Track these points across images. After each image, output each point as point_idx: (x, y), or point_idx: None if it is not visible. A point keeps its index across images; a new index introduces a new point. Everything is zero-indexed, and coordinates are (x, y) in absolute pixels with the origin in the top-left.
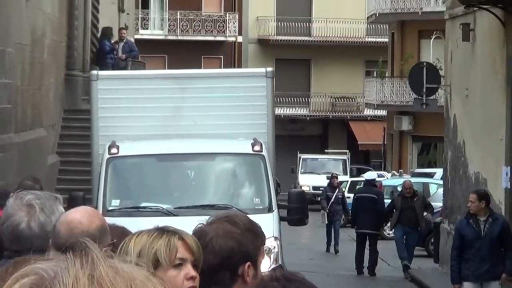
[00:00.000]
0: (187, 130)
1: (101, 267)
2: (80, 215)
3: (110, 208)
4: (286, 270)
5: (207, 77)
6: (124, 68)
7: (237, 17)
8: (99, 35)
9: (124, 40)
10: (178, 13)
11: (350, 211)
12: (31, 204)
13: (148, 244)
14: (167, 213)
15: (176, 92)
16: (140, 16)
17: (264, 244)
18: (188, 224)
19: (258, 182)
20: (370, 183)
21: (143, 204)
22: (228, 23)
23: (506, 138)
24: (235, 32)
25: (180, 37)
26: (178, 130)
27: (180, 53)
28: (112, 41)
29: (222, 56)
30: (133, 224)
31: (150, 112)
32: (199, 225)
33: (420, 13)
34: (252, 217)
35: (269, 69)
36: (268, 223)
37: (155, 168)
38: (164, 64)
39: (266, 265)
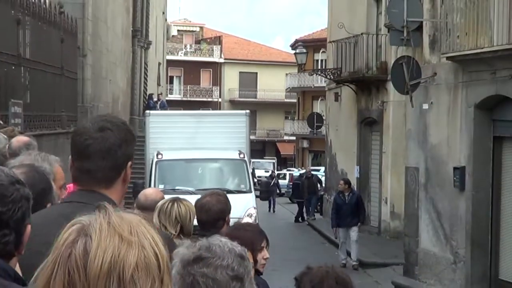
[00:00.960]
0: (200, 145)
1: (113, 217)
2: (151, 191)
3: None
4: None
5: (211, 115)
6: None
7: (218, 88)
8: (147, 97)
9: (160, 100)
10: (188, 86)
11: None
12: None
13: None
14: (191, 193)
15: (194, 123)
16: (168, 87)
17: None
18: None
19: (243, 175)
20: (301, 175)
21: (177, 187)
22: (214, 91)
23: (357, 152)
24: (218, 96)
25: (189, 99)
26: (194, 145)
27: (189, 107)
28: (154, 100)
29: (210, 109)
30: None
31: (178, 134)
32: (202, 198)
33: (313, 87)
34: (240, 195)
35: (247, 111)
36: (250, 199)
37: (183, 166)
38: None
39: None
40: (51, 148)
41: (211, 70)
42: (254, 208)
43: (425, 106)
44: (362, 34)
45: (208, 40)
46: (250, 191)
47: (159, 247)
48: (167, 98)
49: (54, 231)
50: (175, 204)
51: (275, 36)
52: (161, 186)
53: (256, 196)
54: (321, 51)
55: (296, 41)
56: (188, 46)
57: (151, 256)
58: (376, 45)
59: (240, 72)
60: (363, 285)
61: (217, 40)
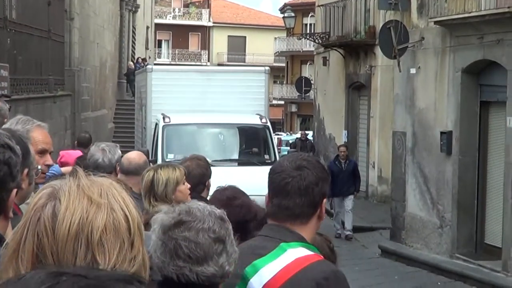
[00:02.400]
0: (210, 107)
1: (83, 180)
2: (134, 154)
3: (167, 160)
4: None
5: (224, 72)
6: None
7: (207, 52)
8: (135, 61)
9: (145, 63)
10: (177, 50)
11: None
12: (104, 149)
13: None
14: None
15: (203, 81)
16: (156, 51)
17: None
18: (223, 172)
19: (266, 144)
20: (300, 138)
21: None
22: (202, 55)
23: (345, 116)
24: (206, 60)
25: (177, 63)
26: (204, 107)
27: None
28: (141, 64)
29: None
30: None
31: (185, 94)
32: (182, 163)
33: (301, 51)
34: (265, 168)
35: (267, 67)
36: None
37: (196, 132)
38: None
39: None
40: (39, 112)
41: (200, 34)
42: None
43: (413, 71)
44: None
45: (197, 3)
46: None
47: (130, 210)
48: (155, 62)
49: (240, 262)
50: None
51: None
52: (171, 156)
53: None
54: (309, 15)
55: (285, 5)
56: (176, 10)
57: (120, 218)
58: (365, 9)
59: (228, 36)
60: (350, 249)
61: (206, 3)
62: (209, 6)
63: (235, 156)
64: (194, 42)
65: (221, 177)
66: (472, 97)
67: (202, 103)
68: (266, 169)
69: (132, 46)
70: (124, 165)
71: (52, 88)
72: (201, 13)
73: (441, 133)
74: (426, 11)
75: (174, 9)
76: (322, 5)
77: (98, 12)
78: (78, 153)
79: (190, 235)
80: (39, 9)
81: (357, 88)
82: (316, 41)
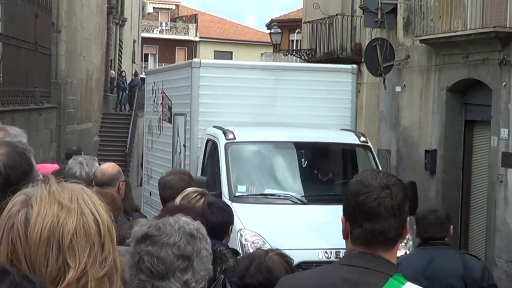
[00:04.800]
0: (280, 119)
1: (54, 186)
2: (107, 166)
3: (237, 194)
4: None
5: (299, 70)
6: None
7: None
8: (119, 74)
9: (123, 76)
10: (163, 64)
11: None
12: (81, 162)
13: None
14: (296, 201)
15: (270, 83)
16: (143, 65)
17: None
18: (318, 212)
19: None
20: None
21: (268, 191)
22: None
23: None
24: None
25: None
26: (271, 119)
27: None
28: (123, 76)
29: None
30: (264, 210)
31: (246, 100)
32: (166, 176)
33: None
34: None
35: (355, 66)
36: None
37: (273, 154)
38: None
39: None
40: (24, 124)
41: (186, 48)
42: None
43: (398, 89)
44: (337, 15)
45: (184, 18)
46: None
47: (100, 213)
48: (141, 76)
49: None
50: (203, 199)
51: (248, 15)
52: (242, 189)
53: None
54: (296, 31)
55: (272, 21)
56: (163, 24)
57: (90, 222)
58: (351, 26)
59: (215, 51)
60: None
61: (193, 18)
62: (196, 21)
63: (333, 190)
64: (180, 56)
65: (317, 220)
66: (457, 116)
67: (270, 112)
68: None
69: (119, 59)
70: (98, 177)
71: (38, 101)
72: (188, 28)
73: (426, 151)
74: (412, 29)
75: (161, 23)
76: (308, 22)
77: (85, 25)
78: (55, 166)
79: (153, 250)
80: (26, 21)
81: None
82: (302, 57)
